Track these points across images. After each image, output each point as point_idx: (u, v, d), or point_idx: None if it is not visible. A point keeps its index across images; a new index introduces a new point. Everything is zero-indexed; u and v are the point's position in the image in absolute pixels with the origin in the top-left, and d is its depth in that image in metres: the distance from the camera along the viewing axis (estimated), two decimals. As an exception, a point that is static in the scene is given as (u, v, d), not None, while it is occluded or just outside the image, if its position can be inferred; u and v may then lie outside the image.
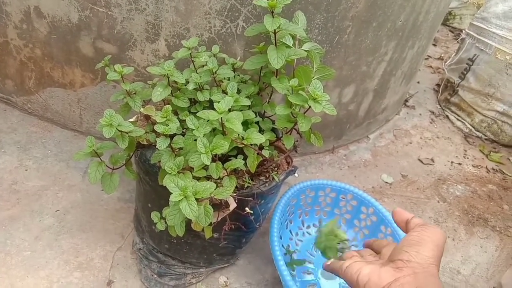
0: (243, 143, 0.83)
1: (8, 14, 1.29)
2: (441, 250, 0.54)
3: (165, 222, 0.87)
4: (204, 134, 0.80)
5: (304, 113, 0.87)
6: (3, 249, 1.07)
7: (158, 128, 0.80)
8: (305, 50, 0.92)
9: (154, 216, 0.89)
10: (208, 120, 0.90)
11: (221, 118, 0.78)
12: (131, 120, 1.00)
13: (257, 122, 0.98)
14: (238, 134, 0.82)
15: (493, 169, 1.93)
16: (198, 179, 0.82)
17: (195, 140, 0.84)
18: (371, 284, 0.52)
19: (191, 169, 0.83)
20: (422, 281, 0.49)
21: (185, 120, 0.93)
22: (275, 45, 0.89)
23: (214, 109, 0.79)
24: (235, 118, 0.80)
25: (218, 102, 0.79)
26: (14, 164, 1.31)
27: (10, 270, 1.02)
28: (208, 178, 0.84)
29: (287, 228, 1.25)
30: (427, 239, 0.54)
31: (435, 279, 0.50)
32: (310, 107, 0.82)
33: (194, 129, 0.79)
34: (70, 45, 1.27)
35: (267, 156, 0.90)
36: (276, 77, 0.94)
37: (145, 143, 0.94)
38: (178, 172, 0.80)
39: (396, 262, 0.53)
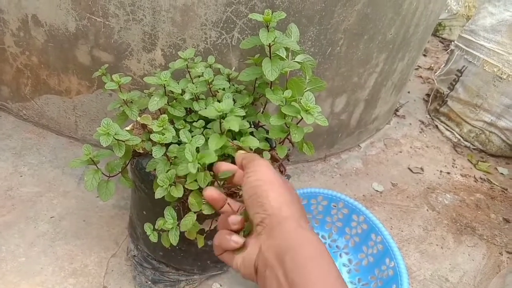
0: (238, 146, 0.85)
1: (5, 21, 1.30)
2: (280, 183, 0.47)
3: (158, 234, 0.88)
4: (197, 147, 0.81)
5: (297, 123, 0.90)
6: (-2, 255, 1.08)
7: (154, 137, 0.82)
8: (298, 62, 0.95)
9: (147, 227, 0.89)
10: (203, 127, 0.93)
11: (220, 116, 0.79)
12: (127, 128, 1.02)
13: (251, 133, 1.00)
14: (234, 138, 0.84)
15: (481, 178, 1.97)
16: (190, 191, 0.83)
17: None
18: (246, 266, 0.46)
19: (185, 180, 0.84)
20: (279, 238, 0.42)
21: (181, 128, 0.95)
22: (270, 57, 0.91)
23: (208, 119, 0.81)
24: (234, 120, 0.81)
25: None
26: (9, 170, 1.32)
27: (5, 276, 1.03)
28: (201, 189, 0.86)
29: (279, 236, 1.27)
30: (259, 183, 0.46)
31: (291, 223, 0.44)
32: (302, 118, 0.85)
33: (187, 142, 0.80)
34: (67, 53, 1.29)
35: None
36: (271, 88, 0.97)
37: (141, 151, 0.96)
38: (170, 185, 0.82)
39: (256, 229, 0.46)
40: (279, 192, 0.46)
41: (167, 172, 0.84)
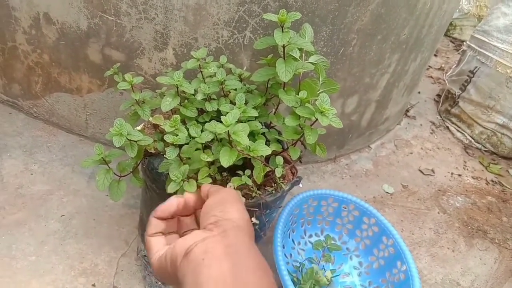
0: (249, 155, 0.85)
1: (17, 19, 1.30)
2: (243, 205, 0.55)
3: None
4: (205, 142, 0.81)
5: (311, 125, 0.89)
6: (9, 254, 1.07)
7: (168, 138, 0.81)
8: (311, 63, 0.94)
9: None
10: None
11: (228, 131, 0.79)
12: (138, 128, 1.02)
13: (263, 133, 0.99)
14: (246, 146, 0.84)
15: (492, 181, 1.95)
16: None
17: (198, 149, 0.85)
18: (177, 248, 0.47)
19: (196, 178, 0.84)
20: (232, 238, 0.47)
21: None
22: (284, 58, 0.90)
23: (221, 119, 0.81)
24: (241, 131, 0.81)
25: (226, 113, 0.81)
26: (19, 168, 1.32)
27: (15, 275, 1.03)
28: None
29: (289, 237, 1.26)
30: (226, 197, 0.54)
31: (245, 234, 0.49)
32: (316, 119, 0.84)
33: (196, 137, 0.81)
34: (78, 52, 1.28)
35: (279, 175, 0.91)
36: (283, 89, 0.96)
37: (152, 151, 0.95)
38: (183, 180, 0.81)
39: (206, 227, 0.50)
40: (241, 210, 0.53)
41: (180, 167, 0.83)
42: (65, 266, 1.08)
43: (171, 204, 0.58)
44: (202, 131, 0.93)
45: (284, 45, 0.88)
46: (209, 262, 0.43)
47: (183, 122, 0.95)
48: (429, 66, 3.02)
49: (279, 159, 0.94)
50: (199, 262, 0.43)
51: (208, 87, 0.94)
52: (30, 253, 1.09)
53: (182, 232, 0.61)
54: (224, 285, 0.40)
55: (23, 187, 1.27)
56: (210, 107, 0.95)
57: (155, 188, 0.95)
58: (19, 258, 1.07)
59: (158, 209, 0.58)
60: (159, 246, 0.54)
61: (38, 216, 1.19)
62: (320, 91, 0.93)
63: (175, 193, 0.82)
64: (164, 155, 0.83)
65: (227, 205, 0.52)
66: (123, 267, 1.11)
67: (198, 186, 0.82)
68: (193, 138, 0.82)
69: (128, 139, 0.83)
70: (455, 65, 2.49)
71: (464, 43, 2.36)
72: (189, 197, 0.61)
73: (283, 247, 1.17)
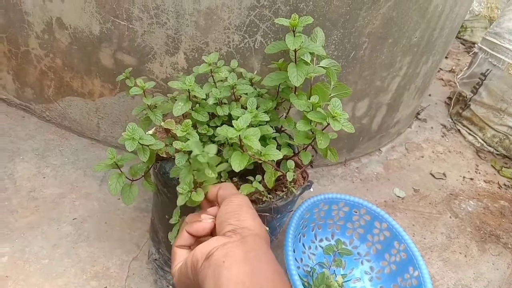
0: (260, 159, 0.85)
1: (30, 24, 1.32)
2: (255, 212, 0.57)
3: None
4: (210, 158, 0.80)
5: (322, 130, 0.89)
6: (22, 257, 1.08)
7: (177, 145, 0.81)
8: (323, 67, 0.94)
9: (172, 237, 0.89)
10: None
11: (239, 135, 0.79)
12: (150, 132, 1.02)
13: (274, 138, 0.99)
14: (257, 150, 0.83)
15: (504, 184, 1.92)
16: None
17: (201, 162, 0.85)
18: (197, 252, 0.50)
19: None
20: (251, 244, 0.49)
21: (204, 133, 0.95)
22: (295, 62, 0.90)
23: (232, 123, 0.81)
24: (252, 135, 0.81)
25: (238, 117, 0.81)
26: (32, 171, 1.34)
27: (28, 278, 1.04)
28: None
29: (300, 242, 1.25)
30: (239, 205, 0.57)
31: (263, 241, 0.51)
32: (328, 124, 0.83)
33: (198, 154, 0.74)
34: (90, 56, 1.29)
35: (290, 179, 0.91)
36: (295, 93, 0.96)
37: (164, 155, 0.95)
38: (190, 191, 0.81)
39: (225, 234, 0.52)
40: (255, 217, 0.56)
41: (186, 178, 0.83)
42: (77, 269, 1.09)
43: (207, 226, 0.59)
44: (212, 139, 0.93)
45: (295, 49, 0.88)
46: (229, 264, 0.45)
47: (195, 126, 0.96)
48: (440, 69, 3.00)
49: (290, 164, 0.93)
50: (220, 264, 0.46)
51: (220, 92, 0.94)
52: (43, 256, 1.10)
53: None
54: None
55: (35, 190, 1.28)
56: (221, 111, 0.95)
57: (167, 192, 0.96)
58: (32, 261, 1.08)
59: (194, 226, 0.59)
60: (182, 258, 0.56)
61: (51, 219, 1.20)
62: (331, 95, 0.93)
63: (185, 204, 0.82)
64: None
65: (241, 214, 0.54)
66: (135, 270, 1.12)
67: (205, 195, 0.83)
68: (196, 155, 0.80)
69: (140, 144, 0.83)
70: (466, 68, 2.47)
71: (476, 45, 2.34)
72: (213, 211, 0.63)
73: (294, 252, 1.17)
